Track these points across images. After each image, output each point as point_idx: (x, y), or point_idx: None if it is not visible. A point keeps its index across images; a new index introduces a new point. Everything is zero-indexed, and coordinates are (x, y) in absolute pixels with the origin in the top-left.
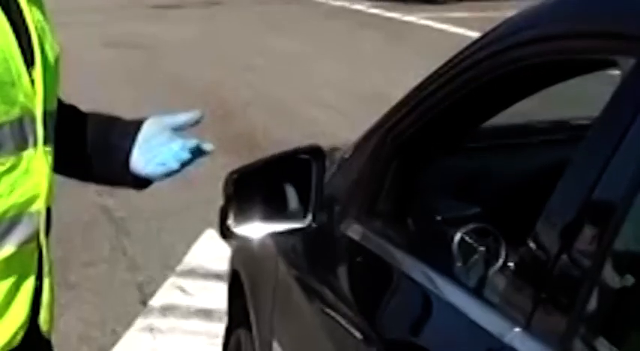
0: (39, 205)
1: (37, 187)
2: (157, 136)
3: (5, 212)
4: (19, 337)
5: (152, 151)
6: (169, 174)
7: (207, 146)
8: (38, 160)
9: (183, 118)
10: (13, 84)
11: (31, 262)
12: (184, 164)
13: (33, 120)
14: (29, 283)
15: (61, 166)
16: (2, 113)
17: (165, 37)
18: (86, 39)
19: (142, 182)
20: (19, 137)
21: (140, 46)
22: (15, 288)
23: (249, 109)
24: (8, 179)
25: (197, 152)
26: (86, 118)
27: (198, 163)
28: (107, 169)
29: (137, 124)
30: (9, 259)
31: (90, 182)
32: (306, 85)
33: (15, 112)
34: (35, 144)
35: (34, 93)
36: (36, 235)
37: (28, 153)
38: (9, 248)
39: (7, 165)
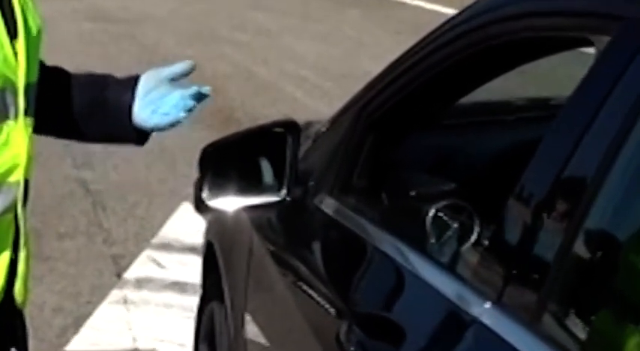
0: (17, 176)
1: (16, 158)
2: (157, 87)
3: None
4: None
5: (155, 102)
6: (175, 123)
7: (204, 89)
8: (18, 131)
9: (179, 67)
10: None
11: (8, 233)
12: (189, 111)
13: (15, 92)
14: (5, 255)
15: (57, 128)
16: None
17: (147, 11)
18: (70, 12)
19: (142, 135)
20: (0, 108)
21: (122, 20)
22: None
23: (228, 83)
24: None
25: (198, 97)
26: (76, 77)
27: (201, 108)
28: (108, 126)
29: (134, 79)
30: None
31: (88, 142)
32: (286, 62)
33: None
34: (16, 116)
35: (17, 65)
36: (14, 207)
37: (8, 124)
38: None
39: None
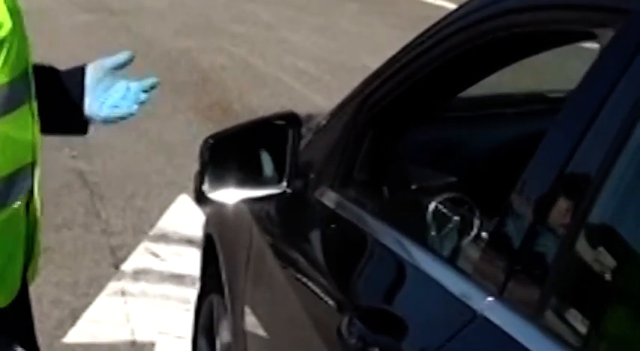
0: (33, 158)
1: (31, 141)
2: (102, 80)
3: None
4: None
5: (102, 95)
6: (127, 116)
7: (153, 80)
8: (31, 115)
9: (122, 57)
10: None
11: (23, 215)
12: (141, 103)
13: (27, 76)
14: (22, 235)
15: None
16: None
17: (145, 2)
18: (66, 3)
19: (85, 125)
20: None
21: (119, 11)
22: (16, 240)
23: (226, 76)
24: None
25: (150, 89)
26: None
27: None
28: (55, 117)
29: (81, 71)
30: (15, 212)
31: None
32: (284, 54)
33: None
34: (30, 98)
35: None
36: (30, 190)
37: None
38: (16, 202)
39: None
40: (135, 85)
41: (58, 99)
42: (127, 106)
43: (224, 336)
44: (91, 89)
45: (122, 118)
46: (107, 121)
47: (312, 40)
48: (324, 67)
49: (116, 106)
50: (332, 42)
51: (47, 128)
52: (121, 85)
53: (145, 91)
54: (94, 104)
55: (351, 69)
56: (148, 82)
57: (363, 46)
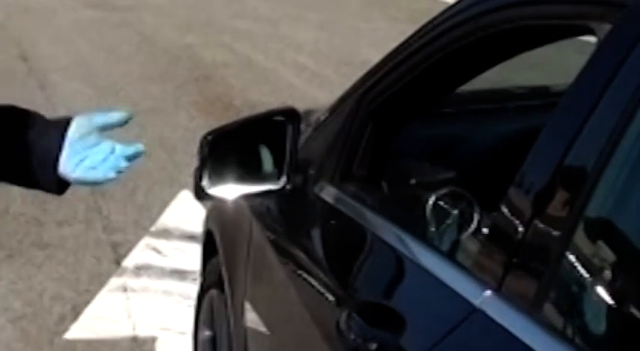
0: None
1: None
2: (86, 136)
3: None
4: None
5: (82, 152)
6: (102, 182)
7: (138, 148)
8: None
9: (115, 117)
10: None
11: None
12: (120, 172)
13: None
14: None
15: None
16: None
17: None
18: (70, 0)
19: (63, 185)
20: None
21: (121, 7)
22: None
23: (226, 71)
24: None
25: (132, 157)
26: None
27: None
28: (27, 169)
29: (65, 121)
30: None
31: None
32: (285, 49)
33: None
34: None
35: None
36: None
37: None
38: None
39: None
40: (120, 150)
41: (29, 147)
42: (103, 171)
43: (224, 331)
44: (70, 143)
45: (96, 182)
46: (78, 182)
47: (313, 35)
48: (325, 62)
49: (93, 168)
50: (332, 37)
51: (14, 178)
52: (104, 146)
53: (129, 159)
54: (70, 161)
55: (351, 63)
56: (133, 149)
57: (365, 41)
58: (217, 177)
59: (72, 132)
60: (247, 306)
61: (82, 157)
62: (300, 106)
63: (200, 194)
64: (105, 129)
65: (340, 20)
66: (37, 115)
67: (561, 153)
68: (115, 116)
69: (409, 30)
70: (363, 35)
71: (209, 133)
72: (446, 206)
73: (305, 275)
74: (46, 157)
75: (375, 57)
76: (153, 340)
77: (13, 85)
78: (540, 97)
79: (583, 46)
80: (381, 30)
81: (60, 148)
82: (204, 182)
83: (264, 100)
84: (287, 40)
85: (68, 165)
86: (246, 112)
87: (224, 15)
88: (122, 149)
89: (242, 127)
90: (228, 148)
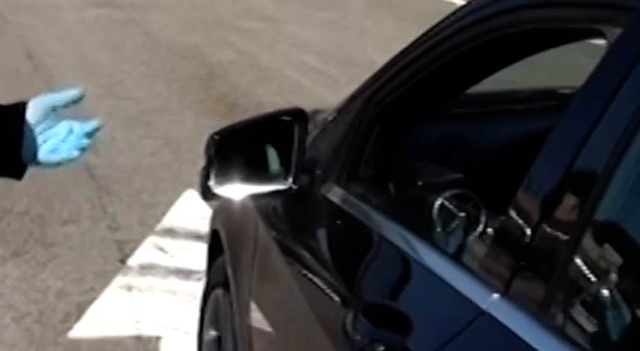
0: None
1: None
2: (42, 120)
3: None
4: None
5: (40, 136)
6: (66, 162)
7: (96, 123)
8: None
9: (69, 95)
10: None
11: None
12: (83, 149)
13: None
14: None
15: None
16: None
17: None
18: None
19: (22, 169)
20: None
21: (127, 6)
22: None
23: (232, 70)
24: None
25: (93, 133)
26: None
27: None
28: None
29: (21, 106)
30: None
31: None
32: (291, 49)
33: None
34: None
35: None
36: None
37: None
38: None
39: None
40: (78, 128)
41: None
42: (66, 151)
43: (229, 331)
44: (29, 128)
45: (59, 163)
46: (43, 165)
47: (320, 35)
48: (331, 62)
49: (55, 149)
50: (339, 37)
51: None
52: (62, 127)
53: (89, 136)
54: (30, 146)
55: (358, 64)
56: (91, 125)
57: (371, 41)
58: (224, 177)
59: (30, 116)
60: (253, 306)
61: (42, 139)
62: (307, 105)
63: (207, 194)
64: (60, 108)
65: (347, 20)
66: None
67: (570, 156)
68: (68, 94)
69: (417, 31)
70: (370, 35)
71: (216, 133)
72: (453, 208)
73: (311, 276)
74: (8, 143)
75: (381, 57)
76: (157, 339)
77: (18, 82)
78: (549, 99)
79: (591, 48)
80: (388, 31)
81: (21, 133)
82: (211, 182)
83: (269, 99)
84: (293, 40)
85: (28, 150)
86: (251, 111)
87: (230, 14)
88: (80, 127)
89: (249, 127)
90: (235, 148)
